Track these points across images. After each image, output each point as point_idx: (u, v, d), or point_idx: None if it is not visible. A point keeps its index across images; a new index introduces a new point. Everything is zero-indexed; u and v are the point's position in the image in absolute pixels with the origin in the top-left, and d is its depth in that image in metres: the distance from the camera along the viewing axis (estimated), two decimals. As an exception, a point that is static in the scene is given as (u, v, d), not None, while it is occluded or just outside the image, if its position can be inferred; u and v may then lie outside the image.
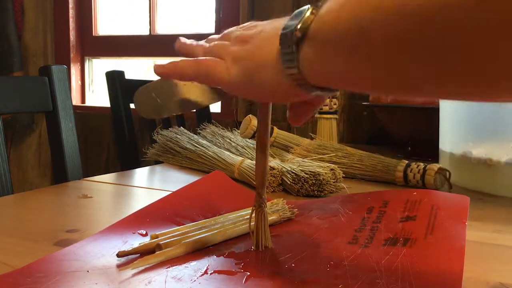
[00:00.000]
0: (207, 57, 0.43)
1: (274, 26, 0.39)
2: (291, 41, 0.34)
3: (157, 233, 0.50)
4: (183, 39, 0.50)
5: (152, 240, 0.48)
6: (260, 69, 0.38)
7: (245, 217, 0.54)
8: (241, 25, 0.46)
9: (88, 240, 0.49)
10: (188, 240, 0.48)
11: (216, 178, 0.71)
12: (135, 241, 0.49)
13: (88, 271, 0.42)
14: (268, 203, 0.58)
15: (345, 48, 0.31)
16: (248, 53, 0.40)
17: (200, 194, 0.65)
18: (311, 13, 0.34)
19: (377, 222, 0.53)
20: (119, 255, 0.45)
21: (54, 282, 0.39)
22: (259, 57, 0.39)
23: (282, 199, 0.60)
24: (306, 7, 0.34)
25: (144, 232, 0.52)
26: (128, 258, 0.45)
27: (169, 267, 0.43)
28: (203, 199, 0.64)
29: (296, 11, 0.35)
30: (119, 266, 0.43)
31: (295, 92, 0.37)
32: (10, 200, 0.73)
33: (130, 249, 0.46)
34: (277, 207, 0.58)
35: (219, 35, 0.47)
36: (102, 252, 0.46)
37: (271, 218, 0.56)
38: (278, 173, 0.76)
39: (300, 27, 0.34)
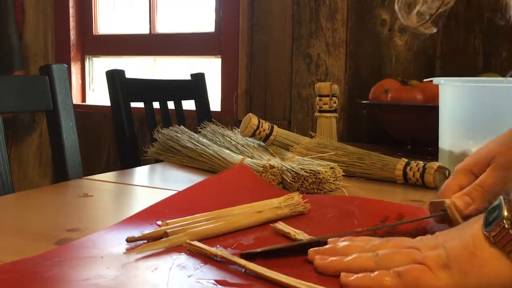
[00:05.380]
0: (409, 266, 0.39)
1: (464, 232, 0.40)
2: (503, 229, 0.37)
3: (167, 221, 0.52)
4: (322, 250, 0.45)
5: (161, 228, 0.50)
6: (475, 265, 0.38)
7: (257, 210, 0.55)
8: (373, 243, 0.44)
9: (107, 229, 0.52)
10: (194, 229, 0.50)
11: (241, 172, 0.72)
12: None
13: (102, 257, 0.45)
14: (284, 197, 0.59)
15: None
16: (450, 256, 0.39)
17: (221, 187, 0.66)
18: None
19: (389, 233, 0.52)
20: (128, 240, 0.48)
21: (70, 266, 0.43)
22: (467, 256, 0.38)
23: (297, 193, 0.60)
24: (497, 202, 0.39)
25: (161, 223, 0.54)
26: (136, 243, 0.48)
27: (176, 256, 0.45)
28: (223, 192, 0.65)
29: (486, 211, 0.39)
30: (127, 250, 0.46)
31: None
32: (11, 199, 0.74)
33: (140, 235, 0.48)
34: (291, 201, 0.58)
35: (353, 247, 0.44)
36: (119, 241, 0.49)
37: (282, 211, 0.57)
38: (278, 171, 0.76)
39: (507, 216, 0.37)
